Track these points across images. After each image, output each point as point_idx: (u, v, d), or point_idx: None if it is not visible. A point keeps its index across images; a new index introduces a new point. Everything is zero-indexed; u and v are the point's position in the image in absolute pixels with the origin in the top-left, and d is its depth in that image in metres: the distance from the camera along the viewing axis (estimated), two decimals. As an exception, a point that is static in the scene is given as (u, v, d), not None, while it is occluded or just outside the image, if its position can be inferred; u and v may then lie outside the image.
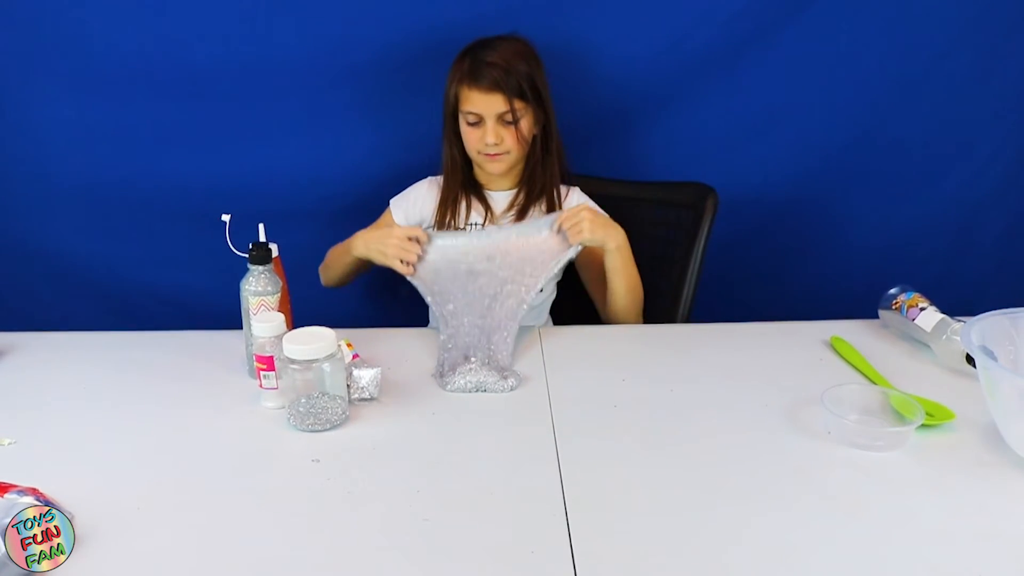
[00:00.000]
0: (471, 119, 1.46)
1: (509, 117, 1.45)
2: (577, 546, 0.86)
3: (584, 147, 1.66)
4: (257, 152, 1.68)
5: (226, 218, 1.21)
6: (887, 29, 1.66)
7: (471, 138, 1.48)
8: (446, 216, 1.54)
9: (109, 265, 1.78)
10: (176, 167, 1.69)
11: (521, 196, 1.54)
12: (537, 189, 1.53)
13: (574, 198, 1.56)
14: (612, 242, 1.37)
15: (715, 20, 1.64)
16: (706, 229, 1.51)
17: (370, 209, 1.62)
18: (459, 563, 0.84)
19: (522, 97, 1.45)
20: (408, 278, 1.36)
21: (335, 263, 1.56)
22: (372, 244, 1.40)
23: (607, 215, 1.43)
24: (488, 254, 1.34)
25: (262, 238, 1.22)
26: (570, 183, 1.58)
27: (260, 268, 1.19)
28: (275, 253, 1.23)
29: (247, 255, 1.19)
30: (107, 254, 1.77)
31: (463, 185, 1.55)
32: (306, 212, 1.73)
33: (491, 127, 1.45)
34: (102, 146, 1.67)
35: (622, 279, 1.42)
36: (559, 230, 1.34)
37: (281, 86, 1.64)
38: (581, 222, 1.33)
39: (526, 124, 1.47)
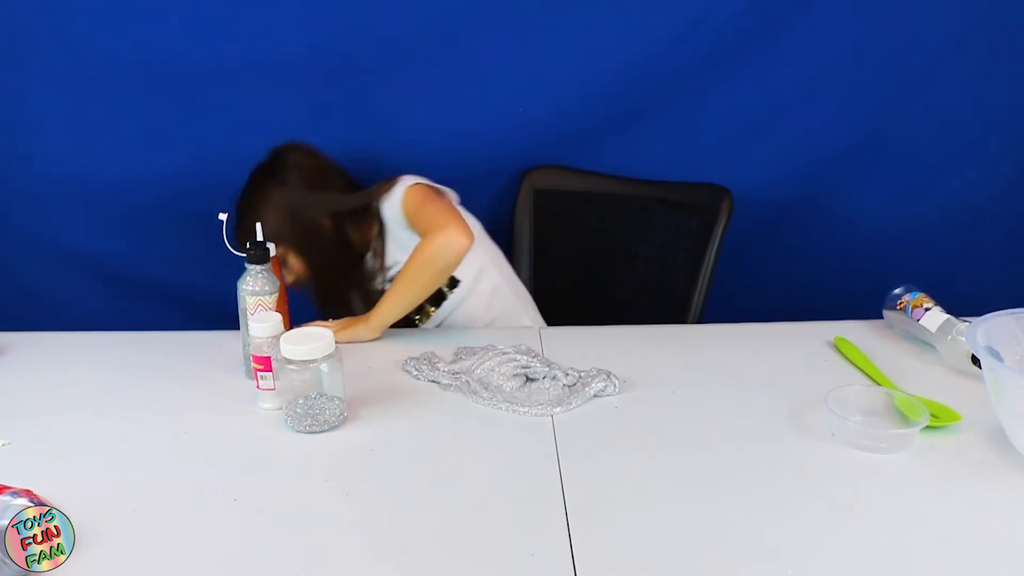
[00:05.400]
0: None
1: None
2: (577, 548, 0.85)
3: (589, 144, 1.65)
4: (255, 150, 1.67)
5: (223, 217, 1.21)
6: (893, 26, 1.64)
7: None
8: None
9: (104, 264, 1.77)
10: (173, 165, 1.68)
11: (375, 265, 1.49)
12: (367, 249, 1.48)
13: (394, 199, 1.44)
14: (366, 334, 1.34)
15: (719, 17, 1.63)
16: (720, 232, 1.49)
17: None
18: (458, 565, 0.84)
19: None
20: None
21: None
22: None
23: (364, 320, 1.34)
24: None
25: (260, 237, 1.22)
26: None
27: (257, 268, 1.18)
28: (273, 252, 1.23)
29: (244, 254, 1.19)
30: (103, 253, 1.76)
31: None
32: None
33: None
34: (98, 144, 1.66)
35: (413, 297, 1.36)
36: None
37: (279, 83, 1.63)
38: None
39: (291, 263, 1.44)
